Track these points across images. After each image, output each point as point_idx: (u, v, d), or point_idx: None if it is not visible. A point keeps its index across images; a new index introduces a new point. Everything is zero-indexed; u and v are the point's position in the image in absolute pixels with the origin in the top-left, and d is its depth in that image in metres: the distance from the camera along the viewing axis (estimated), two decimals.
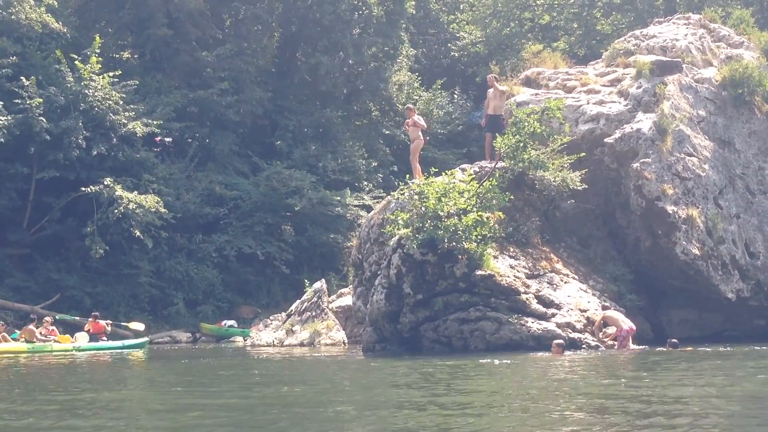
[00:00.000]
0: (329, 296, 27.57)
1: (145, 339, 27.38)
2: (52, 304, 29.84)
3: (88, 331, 26.13)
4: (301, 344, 24.92)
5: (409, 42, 47.26)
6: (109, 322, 27.10)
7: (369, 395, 11.34)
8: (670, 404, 9.44)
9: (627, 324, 18.77)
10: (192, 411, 9.92)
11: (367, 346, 20.04)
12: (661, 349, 18.48)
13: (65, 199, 31.26)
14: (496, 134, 21.32)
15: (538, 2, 48.59)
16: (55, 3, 33.19)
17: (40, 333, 25.23)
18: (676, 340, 18.68)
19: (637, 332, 19.30)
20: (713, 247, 21.37)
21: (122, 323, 28.71)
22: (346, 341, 24.82)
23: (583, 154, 21.57)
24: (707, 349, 18.17)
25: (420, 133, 22.56)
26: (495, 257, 19.14)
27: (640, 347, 18.63)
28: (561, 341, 17.39)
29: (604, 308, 19.20)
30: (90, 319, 26.76)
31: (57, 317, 27.68)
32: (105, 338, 26.26)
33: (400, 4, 44.00)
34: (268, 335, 27.08)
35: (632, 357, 16.93)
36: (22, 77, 30.46)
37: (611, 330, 18.84)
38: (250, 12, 41.31)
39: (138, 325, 28.34)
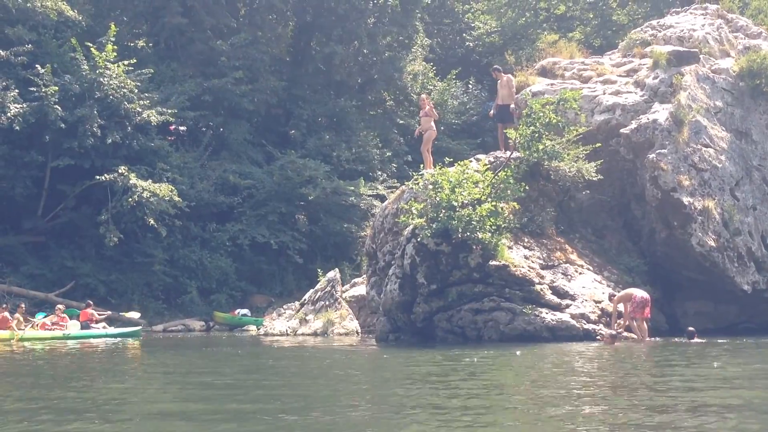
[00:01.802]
0: (342, 286, 27.55)
1: (138, 327, 27.42)
2: (67, 292, 29.97)
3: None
4: (315, 333, 24.92)
5: (423, 32, 47.12)
6: (102, 313, 27.06)
7: (387, 387, 11.32)
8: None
9: (639, 293, 18.73)
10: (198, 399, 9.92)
11: (381, 336, 20.04)
12: (680, 339, 18.43)
13: (80, 187, 31.32)
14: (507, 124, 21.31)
15: None
16: None
17: (51, 320, 25.40)
18: (693, 329, 18.59)
19: (652, 324, 19.20)
20: (729, 239, 21.24)
21: (120, 314, 28.80)
22: (360, 331, 24.80)
23: (599, 144, 21.46)
24: (748, 340, 18.10)
25: (432, 124, 22.44)
26: (509, 247, 19.09)
27: (632, 338, 18.45)
28: (612, 332, 17.71)
29: (611, 296, 19.12)
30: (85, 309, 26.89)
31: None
32: (95, 326, 26.24)
33: None
34: (281, 324, 27.08)
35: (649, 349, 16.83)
36: (37, 65, 30.54)
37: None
38: (265, 1, 41.24)
39: (134, 314, 28.39)
